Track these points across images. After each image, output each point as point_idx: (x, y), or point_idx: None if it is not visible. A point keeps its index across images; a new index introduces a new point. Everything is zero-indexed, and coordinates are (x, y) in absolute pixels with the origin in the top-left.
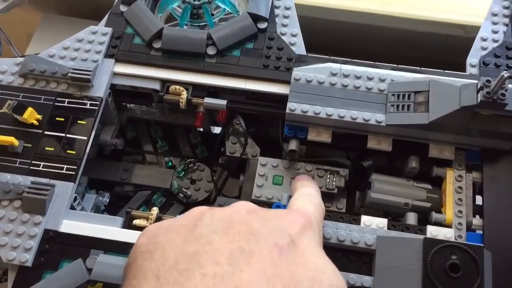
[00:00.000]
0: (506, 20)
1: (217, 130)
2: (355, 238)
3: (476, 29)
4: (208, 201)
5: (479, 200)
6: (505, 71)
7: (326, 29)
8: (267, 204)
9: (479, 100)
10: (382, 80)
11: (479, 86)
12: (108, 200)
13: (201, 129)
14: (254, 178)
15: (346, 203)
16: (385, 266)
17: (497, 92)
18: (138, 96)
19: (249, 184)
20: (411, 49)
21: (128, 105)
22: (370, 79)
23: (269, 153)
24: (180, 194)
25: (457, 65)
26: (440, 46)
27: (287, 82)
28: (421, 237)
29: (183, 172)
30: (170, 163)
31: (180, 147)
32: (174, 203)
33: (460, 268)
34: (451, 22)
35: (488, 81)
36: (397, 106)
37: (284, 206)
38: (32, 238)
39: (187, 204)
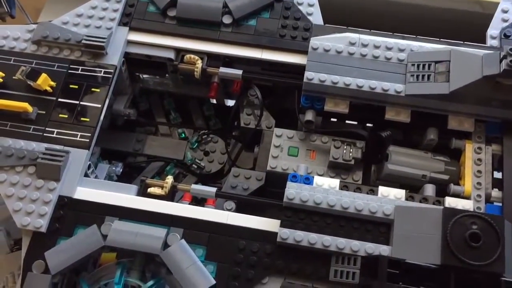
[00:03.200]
0: None
1: (230, 103)
2: (373, 208)
3: (492, 5)
4: (222, 173)
5: (497, 175)
6: None
7: (343, 3)
8: (282, 175)
9: (502, 68)
10: (402, 50)
11: (502, 55)
12: (121, 170)
13: (215, 101)
14: (268, 149)
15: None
16: (404, 235)
17: None
18: (152, 66)
19: (264, 156)
20: (427, 26)
21: (141, 76)
22: (389, 49)
23: (283, 125)
24: (194, 166)
25: (473, 41)
26: (456, 22)
27: (304, 52)
28: (440, 207)
29: (197, 144)
30: (183, 135)
31: (193, 119)
32: (188, 174)
33: (481, 237)
34: None
35: None
36: (417, 76)
37: (301, 177)
38: (46, 204)
39: (200, 176)
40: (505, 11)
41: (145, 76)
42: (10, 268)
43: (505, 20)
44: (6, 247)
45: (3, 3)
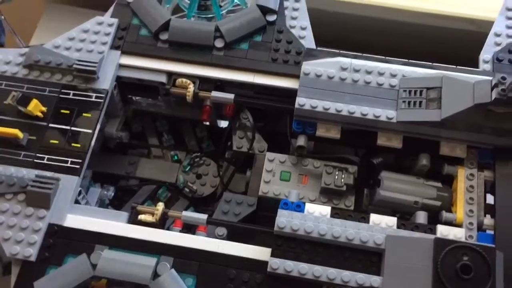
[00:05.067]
0: None
1: (223, 124)
2: (364, 237)
3: (487, 23)
4: (214, 197)
5: (490, 199)
6: None
7: (336, 22)
8: (274, 200)
9: (493, 97)
10: (394, 76)
11: (493, 83)
12: (113, 194)
13: (208, 123)
14: (261, 173)
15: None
16: (395, 266)
17: None
18: (144, 89)
19: (256, 180)
20: (421, 44)
21: (133, 98)
22: (381, 74)
23: (276, 148)
24: (186, 189)
25: (468, 60)
26: (451, 41)
27: (296, 76)
28: (432, 237)
29: (189, 167)
30: (176, 157)
31: (186, 141)
32: (180, 198)
33: (472, 269)
34: (462, 16)
35: (503, 78)
36: (409, 102)
37: (292, 204)
38: (36, 233)
39: (192, 199)
40: (497, 35)
41: (137, 97)
42: None
43: (497, 44)
44: None
45: None
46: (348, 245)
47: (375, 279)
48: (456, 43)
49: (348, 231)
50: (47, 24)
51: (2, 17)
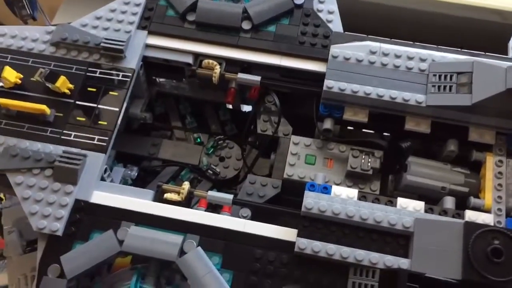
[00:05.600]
0: None
1: (246, 108)
2: (392, 220)
3: None
4: (237, 179)
5: None
6: None
7: (360, 11)
8: (299, 183)
9: None
10: (423, 60)
11: None
12: (136, 174)
13: (230, 107)
14: (285, 157)
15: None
16: (423, 248)
17: None
18: (169, 70)
19: (280, 163)
20: (445, 34)
21: (157, 80)
22: (410, 58)
23: (299, 132)
24: (209, 171)
25: (493, 51)
26: (475, 32)
27: (323, 59)
28: (461, 221)
29: (213, 149)
30: (199, 140)
31: (209, 123)
32: (203, 179)
33: (503, 253)
34: (488, 7)
35: None
36: (439, 86)
37: (319, 186)
38: (63, 208)
39: (215, 181)
40: None
41: (161, 79)
42: (22, 269)
43: None
44: (19, 248)
45: (26, 6)
46: (376, 228)
47: (403, 262)
48: (481, 34)
49: (376, 213)
50: (71, 4)
51: None
